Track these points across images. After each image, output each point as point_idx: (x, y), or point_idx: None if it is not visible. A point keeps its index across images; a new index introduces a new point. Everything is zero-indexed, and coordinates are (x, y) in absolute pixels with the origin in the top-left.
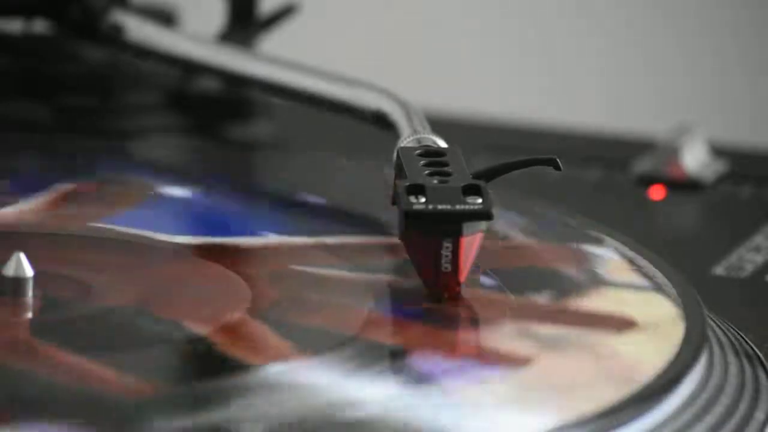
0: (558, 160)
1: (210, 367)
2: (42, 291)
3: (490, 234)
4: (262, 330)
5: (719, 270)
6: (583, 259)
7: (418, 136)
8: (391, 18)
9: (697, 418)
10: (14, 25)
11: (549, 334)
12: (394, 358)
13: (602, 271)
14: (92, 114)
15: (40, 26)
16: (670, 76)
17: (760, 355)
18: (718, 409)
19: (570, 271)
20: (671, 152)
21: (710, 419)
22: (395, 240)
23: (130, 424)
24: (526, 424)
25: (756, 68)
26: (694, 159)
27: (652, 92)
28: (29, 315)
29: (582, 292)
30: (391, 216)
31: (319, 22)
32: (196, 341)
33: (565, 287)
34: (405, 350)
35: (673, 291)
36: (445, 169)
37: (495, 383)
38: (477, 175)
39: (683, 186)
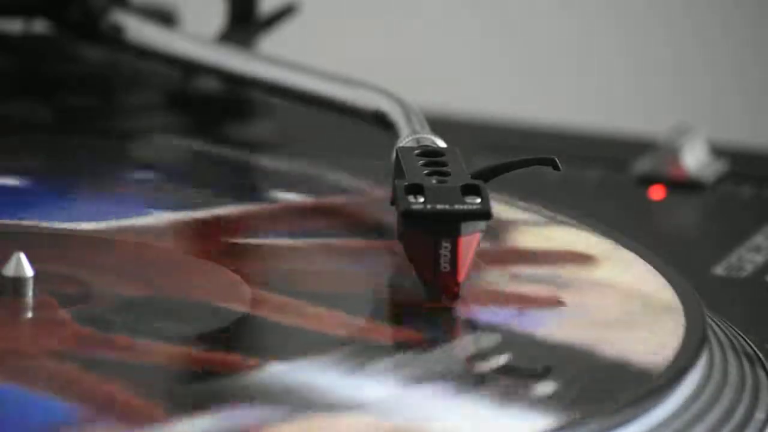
0: (557, 160)
1: (210, 368)
2: (42, 291)
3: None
4: (261, 330)
5: (719, 270)
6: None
7: (417, 135)
8: (391, 18)
9: (698, 418)
10: (14, 25)
11: (549, 334)
12: (393, 358)
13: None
14: (92, 114)
15: (40, 26)
16: (670, 77)
17: (761, 355)
18: (719, 409)
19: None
20: (671, 152)
21: (710, 419)
22: (394, 239)
23: (129, 426)
24: (526, 425)
25: (756, 68)
26: (694, 159)
27: (653, 92)
28: (29, 315)
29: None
30: (390, 215)
31: (319, 22)
32: (195, 341)
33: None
34: (404, 350)
35: (673, 291)
36: (444, 168)
37: (495, 384)
38: (476, 175)
39: (683, 186)
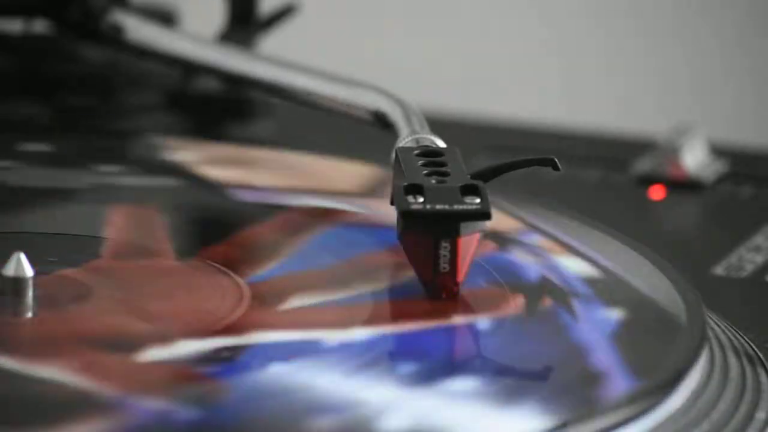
0: (557, 160)
1: (210, 368)
2: (42, 291)
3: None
4: (261, 329)
5: (719, 270)
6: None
7: (417, 136)
8: (391, 18)
9: (698, 418)
10: (14, 25)
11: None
12: (393, 358)
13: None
14: (92, 114)
15: (40, 26)
16: (670, 76)
17: (761, 355)
18: (719, 409)
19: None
20: (671, 152)
21: (711, 419)
22: (394, 240)
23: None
24: (525, 425)
25: (756, 68)
26: (694, 159)
27: (652, 92)
28: (29, 315)
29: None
30: (390, 215)
31: (319, 23)
32: (196, 341)
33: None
34: (405, 350)
35: (673, 291)
36: (444, 169)
37: (495, 383)
38: (476, 176)
39: (683, 186)
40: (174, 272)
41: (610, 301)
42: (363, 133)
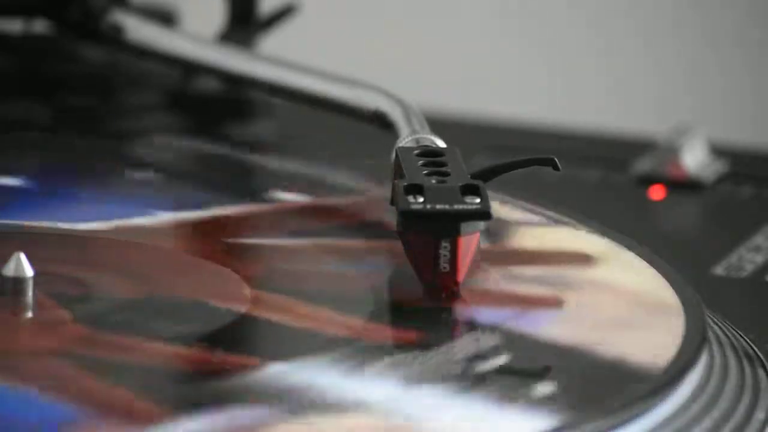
0: (557, 160)
1: (210, 368)
2: (42, 291)
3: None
4: (261, 329)
5: (719, 270)
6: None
7: (417, 135)
8: (391, 18)
9: (697, 418)
10: (14, 25)
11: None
12: (393, 358)
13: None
14: (92, 114)
15: (40, 26)
16: (670, 76)
17: (761, 355)
18: (718, 409)
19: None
20: (671, 152)
21: (710, 419)
22: (394, 239)
23: (130, 426)
24: (526, 425)
25: (756, 68)
26: (694, 159)
27: (652, 92)
28: (29, 315)
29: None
30: (390, 215)
31: (319, 23)
32: (195, 341)
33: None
34: (404, 350)
35: (673, 291)
36: (444, 168)
37: (495, 384)
38: (476, 175)
39: (683, 186)
40: (176, 270)
41: (609, 302)
42: (363, 133)
